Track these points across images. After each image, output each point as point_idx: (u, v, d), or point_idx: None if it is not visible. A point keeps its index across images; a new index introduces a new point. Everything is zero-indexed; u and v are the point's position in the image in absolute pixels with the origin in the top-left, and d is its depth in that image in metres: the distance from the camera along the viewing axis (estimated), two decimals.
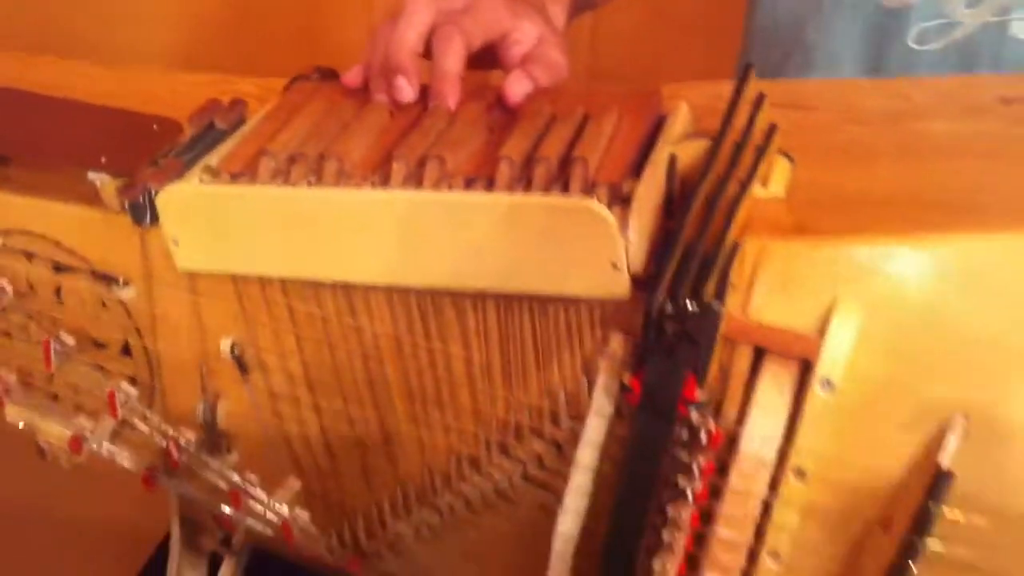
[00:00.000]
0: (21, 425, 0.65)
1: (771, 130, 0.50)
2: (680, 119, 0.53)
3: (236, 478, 0.59)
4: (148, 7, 1.59)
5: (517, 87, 0.55)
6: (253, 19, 1.71)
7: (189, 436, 0.59)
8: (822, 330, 0.46)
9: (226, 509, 0.62)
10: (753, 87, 0.51)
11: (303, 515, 0.60)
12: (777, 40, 0.79)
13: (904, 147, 0.53)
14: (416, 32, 0.56)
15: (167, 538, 0.72)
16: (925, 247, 0.45)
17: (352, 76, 0.58)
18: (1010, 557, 0.47)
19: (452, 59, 0.54)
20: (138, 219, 0.53)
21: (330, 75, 0.61)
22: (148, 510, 0.77)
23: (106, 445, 0.62)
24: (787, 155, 0.50)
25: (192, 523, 0.70)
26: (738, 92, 0.51)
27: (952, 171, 0.51)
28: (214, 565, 0.73)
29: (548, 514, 0.52)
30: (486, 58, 0.59)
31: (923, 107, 0.56)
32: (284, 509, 0.59)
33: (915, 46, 0.70)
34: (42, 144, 0.60)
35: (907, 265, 0.45)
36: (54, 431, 0.65)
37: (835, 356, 0.46)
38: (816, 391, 0.46)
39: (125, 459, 0.62)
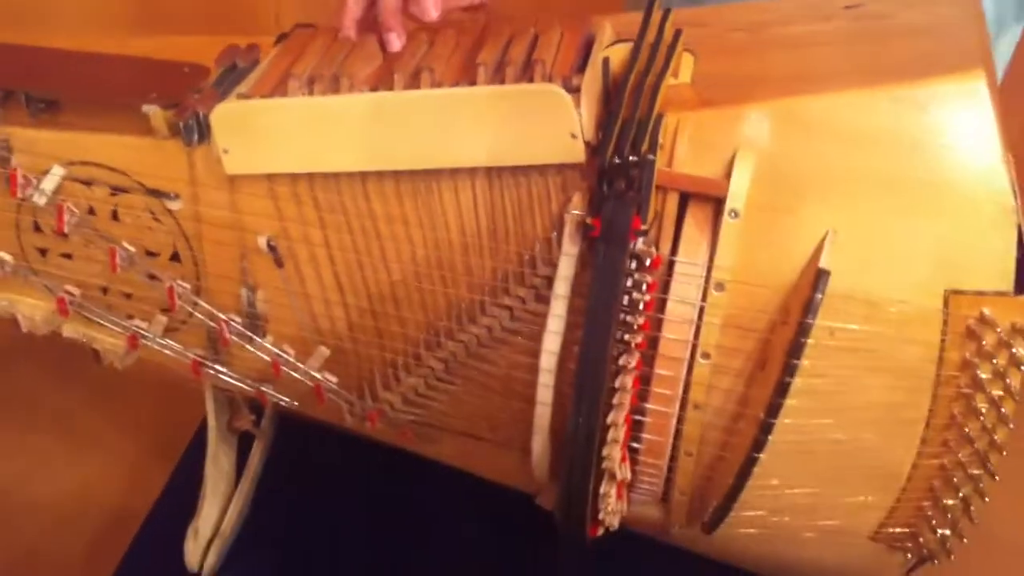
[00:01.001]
0: (80, 337, 0.79)
1: (677, 34, 0.67)
2: (607, 33, 0.69)
3: (275, 350, 0.73)
4: None
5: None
6: None
7: (235, 318, 0.73)
8: (727, 174, 0.62)
9: (263, 387, 0.77)
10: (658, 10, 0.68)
11: (331, 378, 0.75)
12: None
13: (772, 43, 0.70)
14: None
15: (202, 427, 0.86)
16: (790, 107, 0.62)
17: (347, 31, 0.73)
18: (880, 339, 0.64)
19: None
20: (188, 138, 0.67)
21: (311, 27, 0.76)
22: (181, 407, 0.90)
23: (160, 340, 0.76)
24: (691, 51, 0.67)
25: (225, 408, 0.84)
26: (650, 7, 0.67)
27: (807, 56, 0.68)
28: (244, 447, 0.88)
29: (533, 352, 0.68)
30: None
31: (786, 16, 0.73)
32: (319, 373, 0.73)
33: None
34: (89, 89, 0.73)
35: (780, 121, 0.62)
36: (108, 339, 0.78)
37: (737, 192, 0.62)
38: (727, 219, 0.62)
39: (178, 349, 0.76)
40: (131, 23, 1.82)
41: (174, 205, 0.71)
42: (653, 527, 0.77)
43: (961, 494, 0.67)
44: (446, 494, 0.86)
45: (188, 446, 0.92)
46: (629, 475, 0.69)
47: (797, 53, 0.69)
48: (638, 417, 0.67)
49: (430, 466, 0.81)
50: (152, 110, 0.68)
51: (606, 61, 0.65)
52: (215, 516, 0.84)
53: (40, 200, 0.72)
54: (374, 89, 0.65)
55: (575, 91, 0.62)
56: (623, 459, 0.68)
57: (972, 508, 0.68)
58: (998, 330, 0.62)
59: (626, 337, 0.64)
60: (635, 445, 0.68)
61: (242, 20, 1.91)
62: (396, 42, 0.70)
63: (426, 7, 0.70)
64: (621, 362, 0.64)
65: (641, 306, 0.63)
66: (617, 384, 0.64)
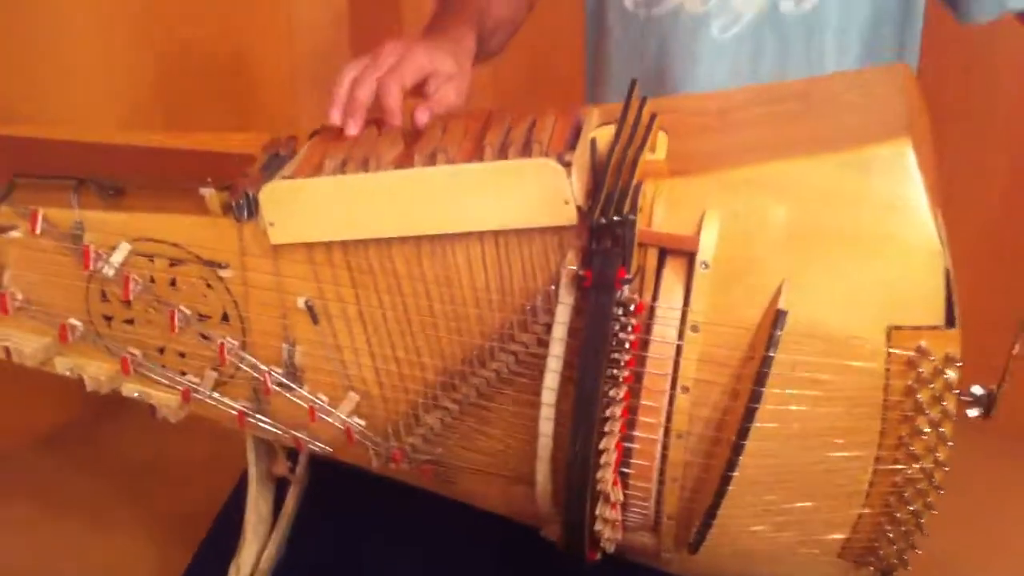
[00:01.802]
0: (137, 395, 0.89)
1: (652, 117, 0.79)
2: (594, 118, 0.81)
3: (312, 397, 0.84)
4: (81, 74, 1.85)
5: (421, 115, 0.86)
6: (182, 82, 2.01)
7: (277, 370, 0.84)
8: (698, 232, 0.74)
9: (299, 433, 0.87)
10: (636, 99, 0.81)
11: (360, 422, 0.85)
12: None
13: (734, 123, 0.83)
14: (371, 89, 0.85)
15: (243, 476, 0.96)
16: (749, 174, 0.74)
17: (335, 119, 0.86)
18: (834, 370, 0.74)
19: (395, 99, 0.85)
20: (239, 214, 0.79)
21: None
22: (202, 496, 1.02)
23: (210, 393, 0.86)
24: (665, 131, 0.79)
25: (264, 456, 0.94)
26: (629, 96, 0.80)
27: (763, 133, 0.80)
28: (280, 494, 0.98)
29: (535, 391, 0.78)
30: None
31: (745, 101, 0.86)
32: (349, 418, 0.84)
33: (718, 36, 1.04)
34: (152, 176, 0.85)
35: (740, 186, 0.74)
36: (163, 395, 0.89)
37: (706, 247, 0.73)
38: (699, 270, 0.74)
39: (226, 402, 0.86)
40: (158, 124, 1.98)
41: (225, 273, 0.82)
42: (645, 552, 0.86)
43: (912, 508, 0.77)
44: (462, 531, 0.96)
45: (228, 498, 1.02)
46: (621, 497, 0.79)
47: (755, 130, 0.82)
48: (628, 444, 0.77)
49: (449, 507, 0.91)
50: (208, 192, 0.80)
51: (593, 140, 0.77)
52: (254, 554, 0.94)
53: (109, 272, 0.83)
54: (398, 168, 0.77)
55: (567, 165, 0.74)
56: (615, 482, 0.78)
57: (922, 521, 0.78)
58: (933, 359, 0.72)
59: (615, 372, 0.74)
60: (626, 470, 0.78)
61: (259, 119, 2.08)
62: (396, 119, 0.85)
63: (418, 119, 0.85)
64: (611, 394, 0.74)
65: (627, 345, 0.74)
66: (608, 414, 0.75)
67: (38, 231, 0.84)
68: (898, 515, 0.77)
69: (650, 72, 1.14)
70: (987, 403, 0.79)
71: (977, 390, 0.76)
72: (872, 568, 0.82)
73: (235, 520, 0.95)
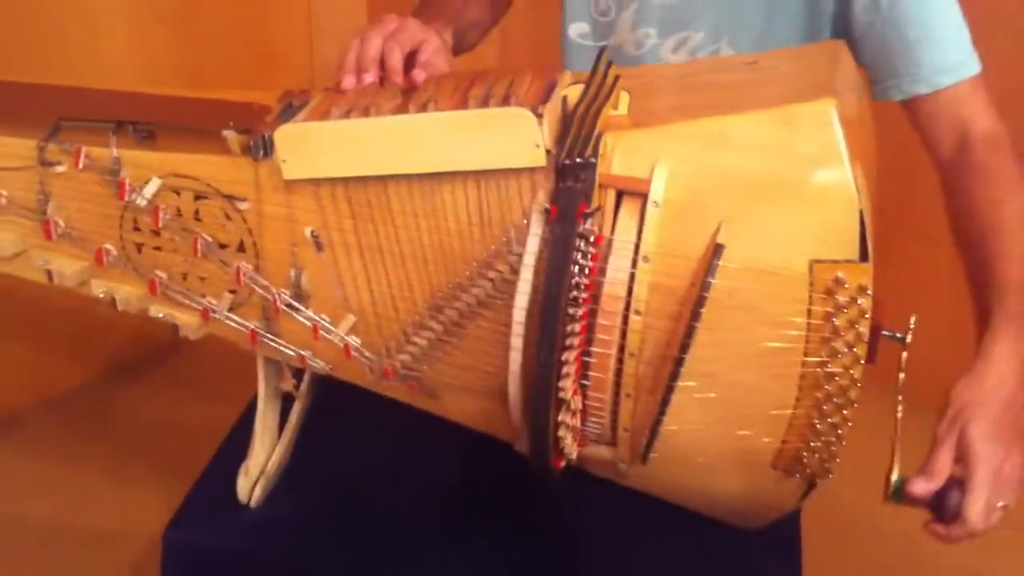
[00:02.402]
0: (162, 316, 1.02)
1: (616, 79, 0.91)
2: (567, 79, 0.93)
3: (316, 316, 0.97)
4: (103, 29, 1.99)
5: (418, 75, 0.98)
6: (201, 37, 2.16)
7: (285, 292, 0.96)
8: (650, 176, 0.86)
9: (303, 352, 0.99)
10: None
11: (356, 340, 0.98)
12: None
13: (688, 87, 0.96)
14: (377, 51, 0.99)
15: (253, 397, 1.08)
16: (696, 128, 0.86)
17: (348, 82, 0.99)
18: (764, 297, 0.86)
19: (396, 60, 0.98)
20: (256, 154, 0.92)
21: None
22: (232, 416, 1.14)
23: (226, 314, 0.99)
24: (628, 91, 0.91)
25: (272, 374, 1.07)
26: (597, 61, 0.92)
27: (712, 95, 0.93)
28: (285, 408, 1.10)
29: (510, 313, 0.90)
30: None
31: (699, 70, 0.98)
32: (347, 336, 0.96)
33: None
34: (180, 121, 0.97)
35: (688, 139, 0.86)
36: (186, 317, 1.01)
37: (657, 188, 0.86)
38: (650, 208, 0.86)
39: (240, 321, 0.99)
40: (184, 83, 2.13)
41: (243, 206, 0.95)
42: (604, 465, 0.98)
43: (831, 421, 0.89)
44: (446, 447, 1.08)
45: (241, 414, 1.15)
46: (580, 405, 0.91)
47: (705, 93, 0.94)
48: (587, 359, 0.89)
49: (435, 426, 1.03)
50: (229, 134, 0.92)
51: (564, 97, 0.90)
52: (262, 460, 1.06)
53: (141, 203, 0.96)
54: (394, 115, 0.89)
55: (539, 115, 0.86)
56: (575, 392, 0.90)
57: (840, 432, 0.89)
58: (847, 287, 0.84)
59: (575, 295, 0.86)
60: (585, 383, 0.91)
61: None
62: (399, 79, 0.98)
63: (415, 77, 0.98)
64: (571, 313, 0.87)
65: (587, 271, 0.86)
66: (569, 330, 0.87)
67: (81, 166, 0.97)
68: (819, 427, 0.89)
69: None
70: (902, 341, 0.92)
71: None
72: (799, 477, 0.94)
73: (246, 432, 1.07)
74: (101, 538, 1.85)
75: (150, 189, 0.96)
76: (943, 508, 0.87)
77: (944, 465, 0.86)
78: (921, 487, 0.86)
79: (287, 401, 1.10)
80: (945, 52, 1.04)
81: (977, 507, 0.84)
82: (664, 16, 1.16)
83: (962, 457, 0.86)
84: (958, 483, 0.86)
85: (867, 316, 0.85)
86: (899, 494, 0.88)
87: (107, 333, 2.26)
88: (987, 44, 1.06)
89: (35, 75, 1.10)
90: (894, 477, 0.89)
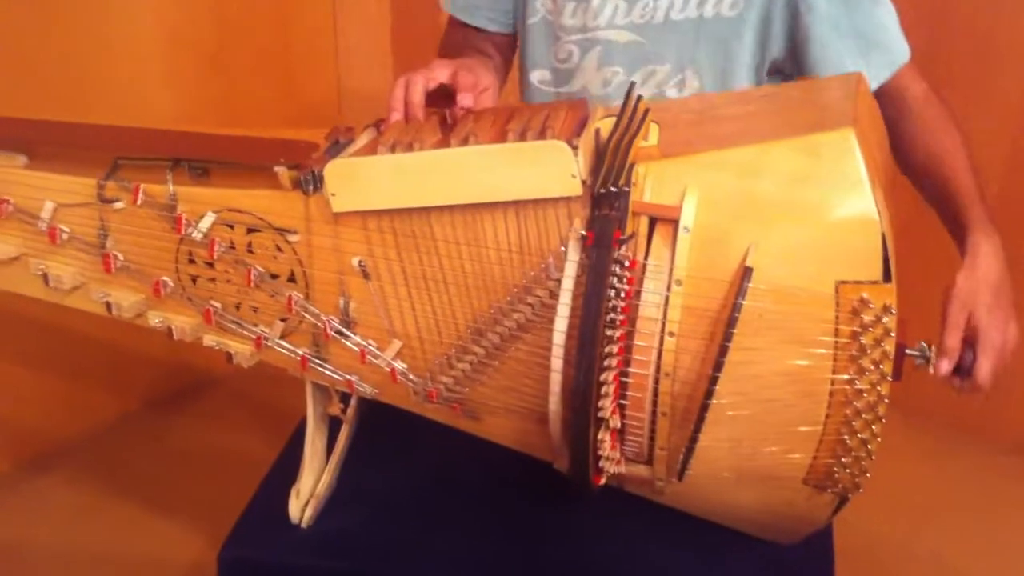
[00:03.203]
0: (216, 344, 1.07)
1: (646, 111, 0.96)
2: (598, 113, 0.98)
3: (363, 341, 1.01)
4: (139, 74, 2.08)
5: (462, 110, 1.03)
6: (234, 81, 2.25)
7: (334, 319, 1.01)
8: (681, 203, 0.90)
9: (351, 376, 1.04)
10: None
11: (402, 365, 1.02)
12: None
13: (712, 119, 1.00)
14: (424, 89, 1.04)
15: (301, 421, 1.13)
16: (722, 157, 0.90)
17: (396, 116, 1.04)
18: (793, 317, 0.90)
19: (418, 94, 1.04)
20: (306, 188, 0.97)
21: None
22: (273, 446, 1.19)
23: (278, 341, 1.04)
24: (657, 123, 0.96)
25: (320, 399, 1.11)
26: (627, 95, 0.97)
27: (735, 126, 0.97)
28: (333, 432, 1.15)
29: (549, 337, 0.95)
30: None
31: (722, 103, 1.03)
32: (393, 361, 1.01)
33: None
34: (233, 158, 1.03)
35: (716, 167, 0.90)
36: (238, 345, 1.06)
37: (688, 214, 0.90)
38: (682, 234, 0.90)
39: (291, 348, 1.03)
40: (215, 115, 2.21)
41: (293, 238, 1.00)
42: (642, 483, 1.02)
43: (861, 437, 0.93)
44: (487, 465, 1.13)
45: (289, 438, 1.20)
46: (619, 424, 0.95)
47: (730, 124, 0.99)
48: (624, 380, 0.93)
49: (475, 445, 1.07)
50: (281, 170, 0.98)
51: (597, 129, 0.94)
52: (311, 482, 1.11)
53: (197, 236, 1.01)
54: (437, 149, 0.94)
55: (575, 147, 0.91)
56: (614, 411, 0.94)
57: (870, 447, 0.93)
58: (873, 307, 0.88)
59: (612, 317, 0.91)
60: (623, 402, 0.95)
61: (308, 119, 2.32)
62: (467, 102, 1.03)
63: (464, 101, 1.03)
64: (609, 334, 0.91)
65: (623, 294, 0.91)
66: (607, 351, 0.91)
67: (139, 202, 1.02)
68: (849, 442, 0.93)
69: None
70: (927, 355, 0.95)
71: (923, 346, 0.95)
72: (831, 491, 0.97)
73: (295, 455, 1.12)
74: (141, 567, 1.89)
75: (205, 223, 1.01)
76: (959, 368, 1.00)
77: (956, 342, 1.00)
78: (944, 366, 0.99)
79: (334, 425, 1.15)
80: (882, 53, 1.19)
81: (985, 368, 1.00)
82: (629, 54, 1.24)
83: (971, 332, 1.01)
84: (970, 346, 1.00)
85: (892, 334, 0.89)
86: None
87: (144, 367, 2.33)
88: None
89: (76, 113, 1.16)
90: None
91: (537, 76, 1.33)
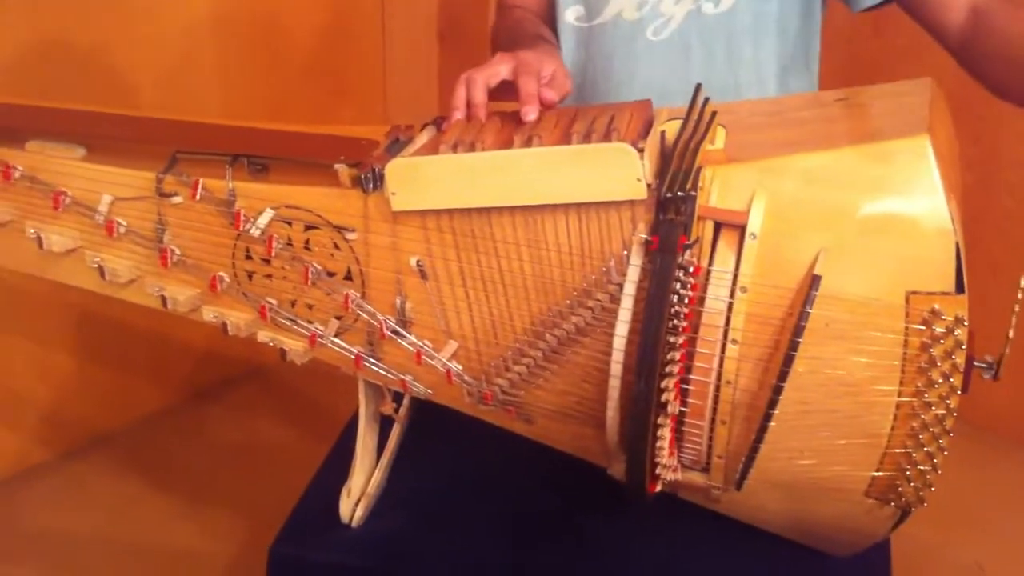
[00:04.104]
0: (270, 341, 1.06)
1: (713, 114, 0.94)
2: (664, 115, 0.96)
3: (419, 342, 1.00)
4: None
5: (529, 112, 0.99)
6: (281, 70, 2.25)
7: (390, 319, 1.00)
8: (748, 209, 0.89)
9: (405, 376, 1.03)
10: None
11: (457, 366, 1.01)
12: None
13: (782, 122, 0.98)
14: (486, 87, 1.02)
15: (353, 417, 1.12)
16: (791, 163, 0.89)
17: (458, 115, 1.02)
18: (861, 327, 0.88)
19: (479, 93, 1.02)
20: (366, 186, 0.96)
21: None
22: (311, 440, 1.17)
23: (332, 339, 1.03)
24: (724, 126, 0.94)
25: (373, 398, 1.10)
26: (694, 97, 0.95)
27: (805, 130, 0.95)
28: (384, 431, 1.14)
29: (608, 342, 0.93)
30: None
31: (793, 106, 1.01)
32: (449, 362, 1.00)
33: (652, 38, 1.24)
34: (293, 154, 1.02)
35: (783, 172, 0.89)
36: (292, 342, 1.05)
37: (755, 220, 0.88)
38: (748, 240, 0.88)
39: (345, 346, 1.03)
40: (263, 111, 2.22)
41: (351, 236, 0.99)
42: (698, 491, 1.01)
43: (927, 450, 0.91)
44: (537, 470, 1.11)
45: (340, 435, 1.19)
46: (679, 431, 0.93)
47: (800, 128, 0.97)
48: (684, 387, 0.92)
49: (527, 449, 1.06)
50: (341, 167, 0.97)
51: (663, 132, 0.93)
52: (362, 481, 1.10)
53: (255, 232, 1.00)
54: (499, 149, 0.93)
55: (640, 150, 0.89)
56: (673, 418, 0.92)
57: (935, 461, 0.91)
58: (945, 319, 0.86)
59: (675, 323, 0.89)
60: (683, 409, 0.93)
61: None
62: (532, 115, 0.99)
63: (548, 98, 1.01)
64: (671, 341, 0.89)
65: (686, 301, 0.89)
66: (668, 359, 0.90)
67: (197, 197, 1.01)
68: (915, 456, 0.91)
69: (597, 73, 1.34)
70: (996, 368, 0.93)
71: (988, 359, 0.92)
72: (894, 505, 0.95)
73: (345, 454, 1.11)
74: (182, 558, 1.90)
75: (264, 219, 1.00)
76: None
77: None
78: None
79: (385, 424, 1.14)
80: None
81: None
82: None
83: None
84: None
85: (963, 347, 0.86)
86: None
87: (187, 359, 2.34)
88: None
89: (126, 106, 1.16)
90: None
91: (572, 13, 1.33)
